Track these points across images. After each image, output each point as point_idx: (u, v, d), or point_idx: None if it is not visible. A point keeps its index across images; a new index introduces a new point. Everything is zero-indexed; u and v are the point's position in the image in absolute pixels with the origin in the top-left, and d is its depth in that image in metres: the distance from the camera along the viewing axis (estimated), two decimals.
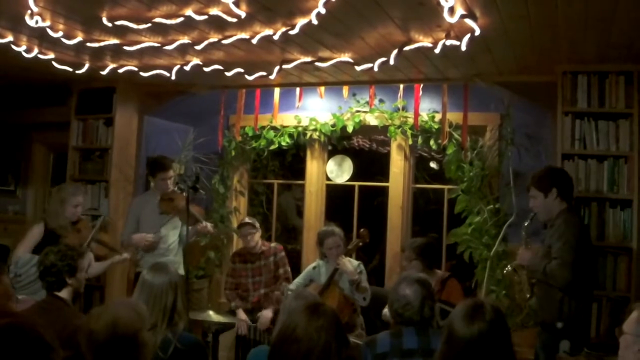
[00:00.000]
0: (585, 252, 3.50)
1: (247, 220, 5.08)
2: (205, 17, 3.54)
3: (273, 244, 5.17)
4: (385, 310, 3.05)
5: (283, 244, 5.38)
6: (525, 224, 3.83)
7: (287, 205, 7.00)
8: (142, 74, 4.98)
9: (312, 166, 5.86)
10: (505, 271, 4.08)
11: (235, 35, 3.91)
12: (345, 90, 5.43)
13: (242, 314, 4.92)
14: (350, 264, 4.52)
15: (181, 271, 4.46)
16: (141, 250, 4.90)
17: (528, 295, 3.88)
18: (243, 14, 3.45)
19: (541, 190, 3.65)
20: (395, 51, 3.98)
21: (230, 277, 5.16)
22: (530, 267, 3.68)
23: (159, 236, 4.89)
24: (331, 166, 5.91)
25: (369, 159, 6.42)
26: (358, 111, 5.48)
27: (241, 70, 4.78)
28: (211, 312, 4.49)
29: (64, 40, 4.08)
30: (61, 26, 3.93)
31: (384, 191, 5.64)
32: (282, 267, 5.04)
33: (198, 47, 4.12)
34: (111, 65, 4.89)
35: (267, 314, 4.83)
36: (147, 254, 4.87)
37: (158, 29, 3.86)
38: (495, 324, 2.03)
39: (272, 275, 5.03)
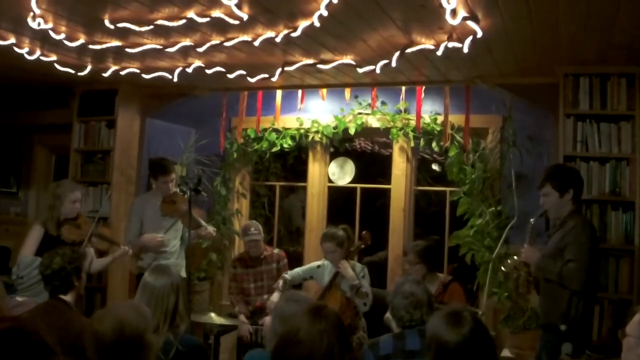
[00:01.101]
0: (596, 255, 3.50)
1: (253, 231, 5.04)
2: (208, 19, 3.55)
3: (276, 250, 5.15)
4: (387, 315, 3.05)
5: (286, 247, 5.36)
6: (532, 221, 3.77)
7: (293, 207, 6.98)
8: (144, 76, 4.99)
9: (314, 168, 5.86)
10: (506, 265, 3.98)
11: (237, 37, 3.92)
12: (347, 92, 5.43)
13: (243, 320, 4.89)
14: (353, 268, 4.49)
15: (183, 274, 4.46)
16: (150, 252, 4.90)
17: (522, 292, 3.85)
18: (245, 17, 3.46)
19: (557, 189, 3.59)
20: (397, 53, 3.98)
21: (233, 281, 5.15)
22: (541, 267, 3.60)
23: (167, 238, 4.90)
24: (333, 168, 5.91)
25: (371, 161, 6.41)
26: (360, 113, 5.48)
27: (243, 72, 4.78)
28: (213, 314, 4.47)
29: (66, 42, 4.09)
30: (63, 28, 3.93)
31: (386, 193, 5.63)
32: None
33: (200, 49, 4.12)
34: (113, 67, 4.89)
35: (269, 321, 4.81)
36: (149, 256, 4.87)
37: (160, 31, 3.86)
38: (478, 326, 2.08)
39: (275, 281, 5.02)
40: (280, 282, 4.65)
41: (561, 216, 3.63)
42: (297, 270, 4.81)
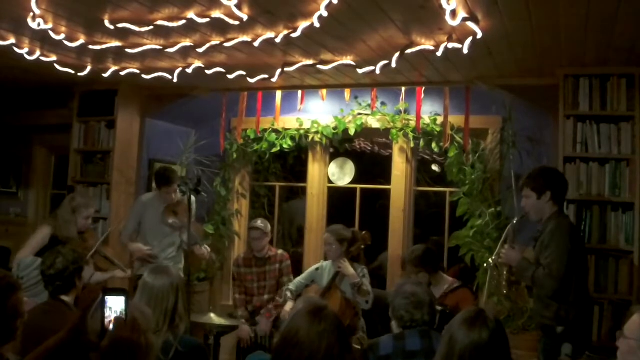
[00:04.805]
0: (577, 257, 3.45)
1: (259, 224, 5.04)
2: (208, 20, 3.55)
3: (280, 251, 5.15)
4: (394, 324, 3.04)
5: (286, 248, 5.35)
6: (514, 222, 3.78)
7: (297, 210, 6.93)
8: (144, 76, 4.99)
9: (314, 169, 5.86)
10: (485, 265, 4.01)
11: (237, 38, 3.92)
12: (347, 93, 5.43)
13: (244, 324, 4.89)
14: (353, 268, 4.50)
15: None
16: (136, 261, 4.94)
17: (505, 292, 3.85)
18: (245, 17, 3.46)
19: (535, 191, 3.59)
20: (397, 54, 3.98)
21: (237, 281, 5.14)
22: (519, 270, 3.61)
23: (155, 253, 4.93)
24: (333, 169, 5.91)
25: (371, 162, 6.42)
26: (360, 114, 5.48)
27: (243, 73, 4.79)
28: (213, 315, 4.48)
29: (66, 42, 4.09)
30: (63, 29, 3.94)
31: (386, 194, 5.63)
32: (287, 276, 5.02)
33: (200, 50, 4.12)
34: (113, 68, 4.89)
35: (264, 325, 4.83)
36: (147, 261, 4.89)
37: (160, 32, 3.86)
38: (496, 334, 2.05)
39: (276, 281, 5.03)
40: (288, 294, 4.66)
41: (543, 218, 3.61)
42: (299, 279, 4.81)
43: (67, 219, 4.46)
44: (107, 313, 1.75)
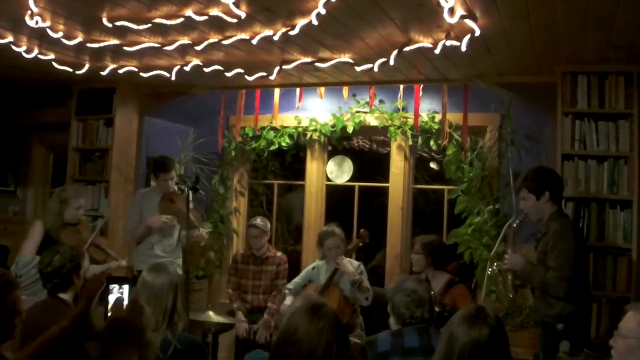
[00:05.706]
0: (580, 256, 3.48)
1: (258, 222, 5.04)
2: (205, 17, 3.55)
3: (279, 253, 5.16)
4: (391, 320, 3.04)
5: (285, 245, 5.35)
6: (514, 225, 3.79)
7: (293, 205, 6.95)
8: (142, 74, 4.99)
9: (312, 167, 5.86)
10: (489, 271, 4.01)
11: (235, 35, 3.92)
12: (345, 90, 5.43)
13: (241, 317, 4.92)
14: (351, 264, 4.51)
15: (180, 272, 4.45)
16: (155, 232, 4.90)
17: (511, 296, 3.88)
18: (243, 15, 3.46)
19: (533, 192, 3.60)
20: (395, 52, 3.98)
21: (232, 276, 5.16)
22: (525, 275, 3.64)
23: (174, 221, 4.89)
24: (331, 167, 5.92)
25: (369, 160, 6.42)
26: (358, 112, 5.49)
27: (241, 70, 4.78)
28: (211, 313, 4.48)
29: (64, 40, 4.08)
30: (61, 27, 3.93)
31: (384, 192, 5.64)
32: (282, 280, 5.03)
33: (198, 48, 4.12)
34: (111, 66, 4.89)
35: (262, 332, 4.86)
36: (146, 257, 4.86)
37: (158, 30, 3.86)
38: (496, 331, 2.04)
39: (271, 283, 5.04)
40: (286, 292, 4.70)
41: (543, 218, 3.62)
42: (296, 280, 4.83)
43: (53, 209, 4.46)
44: (111, 301, 1.76)
